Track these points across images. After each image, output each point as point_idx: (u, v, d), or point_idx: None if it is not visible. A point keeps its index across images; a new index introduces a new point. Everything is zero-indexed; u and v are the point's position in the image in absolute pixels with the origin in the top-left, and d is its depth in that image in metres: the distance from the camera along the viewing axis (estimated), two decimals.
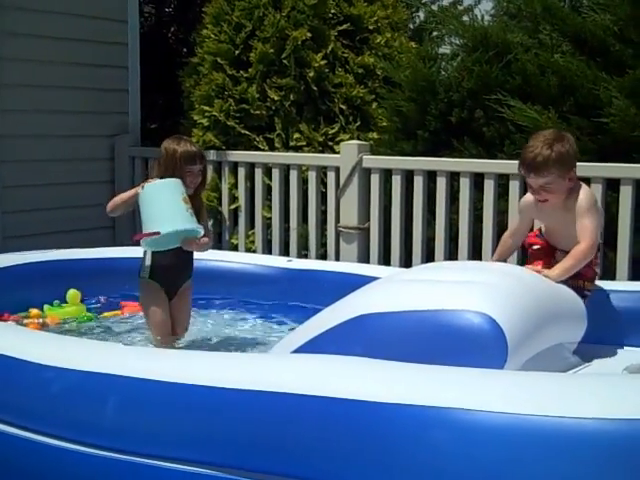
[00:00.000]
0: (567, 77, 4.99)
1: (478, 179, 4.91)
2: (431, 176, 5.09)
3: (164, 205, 3.71)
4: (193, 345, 4.06)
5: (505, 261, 3.79)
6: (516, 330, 2.79)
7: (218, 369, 2.60)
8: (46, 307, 4.48)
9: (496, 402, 2.10)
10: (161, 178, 3.83)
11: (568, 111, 4.97)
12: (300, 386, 2.35)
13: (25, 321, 4.32)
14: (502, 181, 4.85)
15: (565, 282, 3.37)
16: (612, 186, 4.50)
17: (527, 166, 3.42)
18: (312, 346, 3.00)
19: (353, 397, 2.25)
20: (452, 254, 5.00)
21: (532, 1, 5.58)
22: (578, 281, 3.45)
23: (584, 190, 3.47)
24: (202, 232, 3.81)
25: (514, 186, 4.74)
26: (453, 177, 5.04)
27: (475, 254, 4.91)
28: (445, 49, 6.35)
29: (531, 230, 3.80)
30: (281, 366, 2.58)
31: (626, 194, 4.38)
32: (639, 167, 4.42)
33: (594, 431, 1.99)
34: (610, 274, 4.46)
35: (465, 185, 4.92)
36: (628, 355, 3.36)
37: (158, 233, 3.66)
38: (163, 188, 3.75)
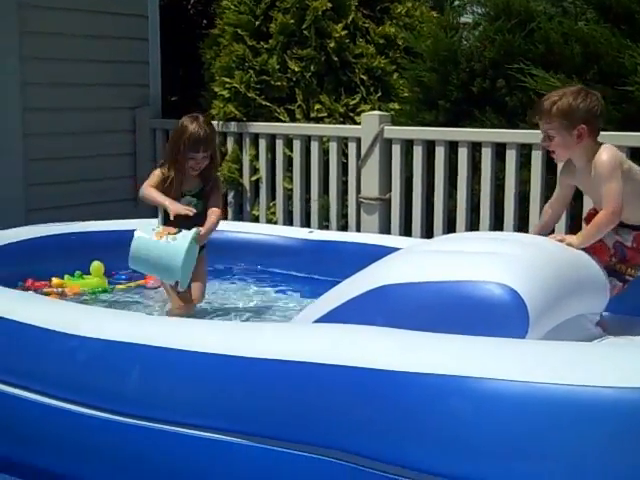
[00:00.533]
0: (591, 45, 4.93)
1: (500, 149, 4.89)
2: (452, 147, 5.07)
3: (153, 260, 3.67)
4: (216, 315, 4.10)
5: (550, 232, 3.63)
6: (537, 301, 2.78)
7: (240, 338, 2.63)
8: (67, 277, 4.53)
9: (515, 371, 2.11)
10: (163, 165, 3.85)
11: (592, 79, 4.91)
12: (322, 355, 2.38)
13: (45, 289, 4.37)
14: (524, 151, 4.82)
15: (611, 266, 3.36)
16: (637, 155, 4.46)
17: (536, 109, 3.40)
18: (334, 316, 3.00)
19: (374, 366, 2.28)
20: (474, 225, 4.99)
21: None
22: (622, 266, 3.39)
23: (606, 151, 3.32)
24: (200, 230, 3.77)
25: (536, 156, 4.71)
26: (475, 147, 5.01)
27: (497, 225, 4.89)
28: (467, 18, 6.29)
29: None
30: (303, 335, 2.60)
31: None
32: None
33: (612, 400, 2.00)
34: None
35: (487, 155, 4.90)
36: None
37: (177, 282, 3.77)
38: (138, 247, 3.67)
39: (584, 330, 3.22)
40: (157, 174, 3.91)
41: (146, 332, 2.74)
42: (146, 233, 3.69)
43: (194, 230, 3.72)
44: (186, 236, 3.66)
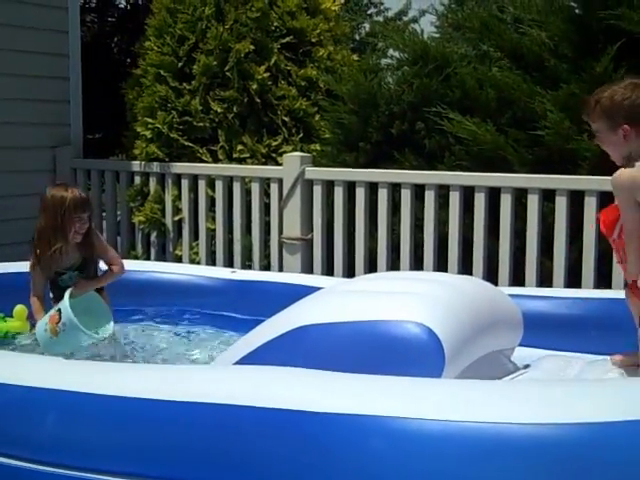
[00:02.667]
0: (505, 90, 5.10)
1: (419, 190, 4.99)
2: (373, 187, 5.16)
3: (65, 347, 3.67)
4: (135, 357, 4.05)
5: None
6: (453, 339, 2.85)
7: (159, 381, 2.61)
8: None
9: (431, 410, 2.15)
10: (46, 227, 3.85)
11: (506, 124, 5.09)
12: (241, 397, 2.38)
13: None
14: (443, 192, 4.94)
15: None
16: (548, 197, 4.62)
17: (584, 105, 3.08)
18: (254, 357, 3.01)
19: (293, 407, 2.29)
20: (394, 264, 5.07)
21: (471, 16, 5.71)
22: None
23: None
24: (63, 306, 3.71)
25: (454, 197, 4.83)
26: (394, 188, 5.12)
27: (417, 264, 4.98)
28: (389, 61, 6.45)
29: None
30: (222, 377, 2.60)
31: (561, 204, 4.50)
32: (573, 178, 4.54)
33: (523, 436, 2.06)
34: (548, 282, 4.58)
35: (406, 196, 5.00)
36: (566, 360, 3.42)
37: None
38: (45, 345, 3.69)
39: (500, 366, 3.31)
40: (37, 273, 3.94)
41: (64, 377, 2.71)
42: (41, 329, 3.69)
43: (65, 298, 3.69)
44: (68, 313, 3.63)
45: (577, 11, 5.13)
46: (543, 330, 3.63)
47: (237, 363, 3.04)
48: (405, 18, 23.12)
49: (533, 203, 4.59)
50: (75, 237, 3.85)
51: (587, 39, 4.97)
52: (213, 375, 2.69)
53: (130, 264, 5.27)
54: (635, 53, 4.73)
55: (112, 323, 3.88)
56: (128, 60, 8.94)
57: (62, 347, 3.64)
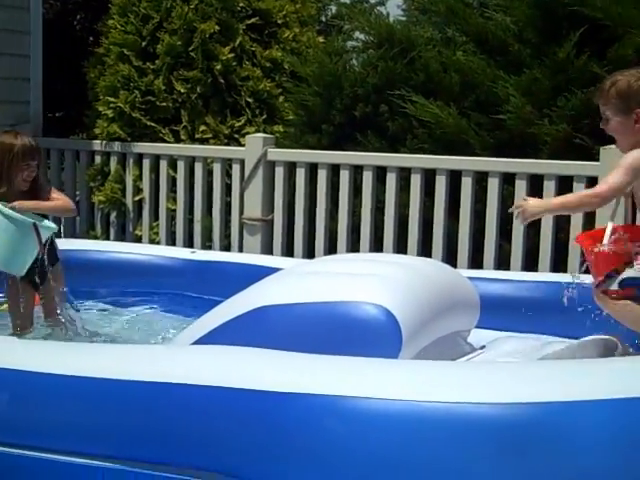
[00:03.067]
0: (468, 75, 5.12)
1: (381, 172, 4.99)
2: (335, 169, 5.15)
3: None
4: (94, 337, 4.03)
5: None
6: (411, 320, 2.86)
7: (116, 361, 2.59)
8: None
9: (386, 390, 2.16)
10: None
11: (469, 107, 5.10)
12: (198, 377, 2.37)
13: None
14: (404, 174, 4.94)
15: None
16: (508, 180, 4.65)
17: (597, 89, 3.09)
18: (212, 338, 3.01)
19: (251, 387, 2.28)
20: (354, 246, 5.07)
21: (437, 0, 5.71)
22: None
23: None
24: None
25: (415, 180, 4.84)
26: (356, 170, 5.11)
27: (377, 246, 4.99)
28: (355, 43, 6.43)
29: None
30: (179, 357, 2.59)
31: (521, 188, 4.52)
32: (533, 162, 4.57)
33: (481, 416, 2.07)
34: (506, 265, 4.61)
35: (368, 178, 5.00)
36: (522, 342, 3.45)
37: None
38: None
39: (456, 347, 3.34)
40: None
41: (17, 356, 2.67)
42: None
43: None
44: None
45: None
46: (500, 312, 3.66)
47: (195, 343, 3.03)
48: (372, 0, 23.08)
49: (493, 186, 4.62)
50: (21, 184, 3.78)
51: (551, 25, 4.99)
52: (170, 355, 2.67)
53: (89, 244, 5.25)
54: (597, 39, 4.76)
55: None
56: (91, 38, 8.81)
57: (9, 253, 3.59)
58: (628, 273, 2.91)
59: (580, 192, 3.03)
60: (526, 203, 3.05)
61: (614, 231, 2.99)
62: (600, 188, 2.90)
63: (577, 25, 4.77)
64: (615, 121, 2.95)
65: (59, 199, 3.91)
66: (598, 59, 4.73)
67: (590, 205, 3.01)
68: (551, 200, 3.10)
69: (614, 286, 2.94)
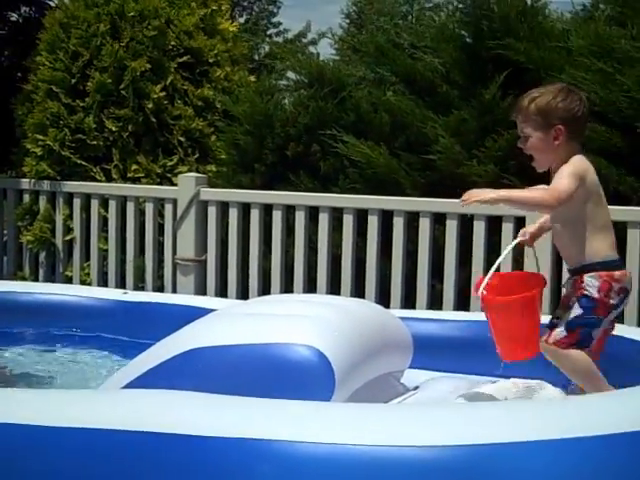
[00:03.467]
0: (398, 115, 5.20)
1: (313, 212, 5.03)
2: (267, 209, 5.16)
3: None
4: (22, 381, 3.94)
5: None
6: (343, 362, 2.87)
7: (42, 406, 2.53)
8: None
9: (319, 433, 2.16)
10: None
11: (399, 147, 5.19)
12: (128, 422, 2.33)
13: None
14: (337, 214, 4.98)
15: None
16: (439, 220, 4.72)
17: (516, 108, 3.04)
18: (143, 381, 2.97)
19: (181, 432, 2.26)
20: (288, 286, 5.08)
21: (368, 40, 5.82)
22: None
23: (576, 157, 2.94)
24: None
25: (348, 220, 4.88)
26: (289, 210, 5.13)
27: (310, 286, 5.00)
28: (287, 82, 6.50)
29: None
30: (108, 402, 2.54)
31: (452, 227, 4.60)
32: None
33: (411, 459, 2.09)
34: (438, 304, 4.66)
35: (300, 218, 5.03)
36: (455, 382, 3.49)
37: None
38: None
39: (390, 388, 3.35)
40: None
41: None
42: None
43: None
44: None
45: (468, 40, 5.29)
46: (433, 352, 3.69)
47: (126, 387, 2.99)
48: (304, 40, 23.40)
49: (425, 226, 4.68)
50: None
51: (477, 67, 5.13)
52: (99, 399, 2.62)
53: (16, 286, 5.15)
54: (520, 82, 4.89)
55: None
56: (19, 74, 8.70)
57: None
58: (572, 313, 2.92)
59: (534, 192, 2.92)
60: (484, 196, 2.94)
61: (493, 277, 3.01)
62: (556, 191, 2.84)
63: (502, 68, 4.91)
64: (535, 138, 2.94)
65: None
66: None
67: (546, 204, 2.89)
68: (515, 195, 2.96)
69: (559, 332, 2.92)
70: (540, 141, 2.94)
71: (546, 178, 3.00)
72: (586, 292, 2.90)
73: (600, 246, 2.92)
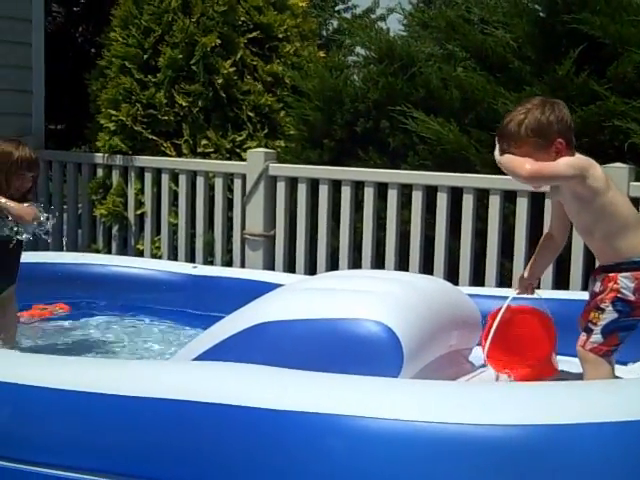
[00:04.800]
0: (468, 91, 5.13)
1: (382, 189, 5.01)
2: (336, 185, 5.16)
3: None
4: (98, 350, 4.04)
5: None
6: (412, 338, 2.87)
7: (119, 376, 2.60)
8: None
9: (386, 410, 2.17)
10: None
11: (469, 124, 5.12)
12: (200, 393, 2.38)
13: None
14: (406, 191, 4.95)
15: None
16: (509, 198, 4.66)
17: (501, 135, 2.92)
18: (213, 354, 3.01)
19: (251, 404, 2.29)
20: (356, 262, 5.08)
21: (438, 16, 5.75)
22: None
23: (577, 155, 2.91)
24: None
25: (417, 196, 4.85)
26: (358, 186, 5.13)
27: (378, 262, 5.00)
28: (356, 58, 6.46)
29: None
30: (180, 373, 2.59)
31: (522, 206, 4.54)
32: None
33: (478, 437, 2.08)
34: (508, 282, 4.61)
35: (369, 194, 5.01)
36: None
37: None
38: None
39: (458, 365, 3.34)
40: None
41: (19, 370, 2.68)
42: None
43: None
44: None
45: (541, 14, 5.17)
46: None
47: (196, 359, 3.04)
48: (373, 15, 23.16)
49: (494, 204, 4.63)
50: (14, 193, 3.79)
51: (550, 42, 5.02)
52: (172, 371, 2.67)
53: (91, 258, 5.27)
54: (596, 57, 4.79)
55: None
56: (93, 50, 8.84)
57: None
58: (607, 317, 2.84)
59: (522, 161, 2.80)
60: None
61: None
62: (540, 165, 2.78)
63: (576, 43, 4.79)
64: (536, 159, 2.81)
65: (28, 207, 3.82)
66: (598, 77, 4.75)
67: (519, 173, 2.84)
68: (509, 157, 2.86)
69: (597, 338, 2.84)
70: (543, 160, 2.81)
71: None
72: (620, 295, 2.81)
73: (635, 242, 2.82)
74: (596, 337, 2.83)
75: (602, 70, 4.79)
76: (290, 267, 5.32)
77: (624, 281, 2.80)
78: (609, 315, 2.82)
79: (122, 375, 2.59)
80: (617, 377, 2.93)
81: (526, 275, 3.18)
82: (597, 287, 2.90)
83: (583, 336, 2.87)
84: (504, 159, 2.90)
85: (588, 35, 4.80)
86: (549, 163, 2.81)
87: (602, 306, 2.84)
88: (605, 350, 2.83)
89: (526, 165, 2.80)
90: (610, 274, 2.84)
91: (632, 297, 2.80)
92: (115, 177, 6.22)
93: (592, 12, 4.82)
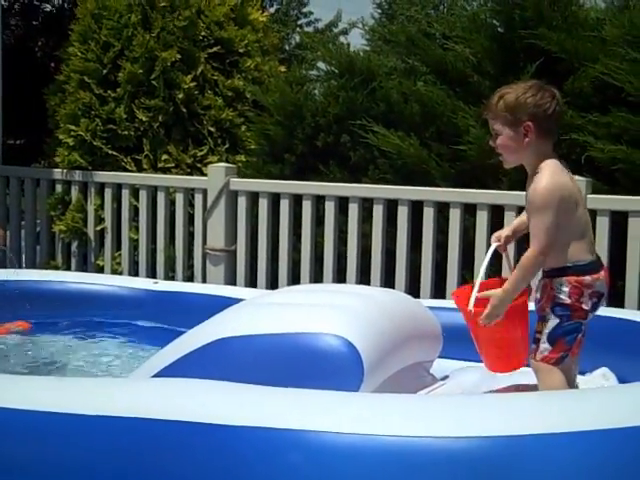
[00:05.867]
0: (429, 105, 5.17)
1: (343, 203, 5.02)
2: (297, 199, 5.16)
3: None
4: (54, 370, 3.98)
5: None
6: (373, 352, 2.87)
7: (74, 395, 2.56)
8: None
9: (347, 424, 2.16)
10: None
11: (429, 138, 5.16)
12: (157, 410, 2.35)
13: None
14: (367, 205, 4.97)
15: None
16: (470, 211, 4.69)
17: (485, 105, 2.98)
18: (172, 370, 2.99)
19: (210, 421, 2.27)
20: (317, 276, 5.08)
21: (399, 31, 5.79)
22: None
23: (546, 177, 2.79)
24: None
25: (378, 210, 4.86)
26: (319, 200, 5.13)
27: (340, 276, 5.00)
28: (317, 73, 6.48)
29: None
30: (139, 391, 2.56)
31: (482, 219, 4.57)
32: (494, 193, 4.62)
33: (438, 450, 2.08)
34: None
35: (330, 208, 5.02)
36: (484, 372, 3.46)
37: None
38: None
39: (419, 378, 3.34)
40: None
41: None
42: None
43: None
44: None
45: (499, 30, 5.24)
46: (462, 342, 3.67)
47: (156, 376, 3.01)
48: (336, 30, 23.30)
49: (455, 216, 4.65)
50: None
51: (509, 57, 5.08)
52: (130, 388, 2.64)
53: (49, 275, 5.20)
54: (553, 72, 4.84)
55: None
56: (52, 65, 8.77)
57: None
58: (550, 325, 2.84)
59: (523, 259, 2.82)
60: (495, 294, 2.88)
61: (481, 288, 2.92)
62: (537, 244, 2.77)
63: (534, 58, 4.86)
64: (505, 135, 2.83)
65: None
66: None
67: (540, 265, 2.83)
68: (511, 279, 2.85)
69: (544, 347, 2.84)
70: (509, 139, 2.83)
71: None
72: (557, 300, 2.83)
73: (573, 251, 2.82)
74: (544, 346, 2.84)
75: (559, 85, 4.81)
76: (252, 282, 5.30)
77: (558, 286, 2.83)
78: (551, 322, 2.84)
79: (79, 393, 2.55)
80: (576, 385, 2.95)
81: (508, 232, 3.09)
82: (538, 293, 2.93)
83: (533, 347, 2.88)
84: (512, 284, 2.86)
85: (545, 50, 4.87)
86: (541, 229, 2.77)
87: (544, 314, 2.86)
88: (556, 358, 2.83)
89: (527, 260, 2.80)
90: (546, 280, 2.88)
91: (568, 300, 2.82)
92: (74, 193, 6.16)
93: (549, 27, 4.89)
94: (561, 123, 2.91)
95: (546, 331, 2.84)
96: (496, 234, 3.11)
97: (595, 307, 2.86)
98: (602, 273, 2.87)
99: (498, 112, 2.84)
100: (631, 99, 4.57)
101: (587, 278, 2.82)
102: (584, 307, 2.82)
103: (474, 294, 2.92)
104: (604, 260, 4.25)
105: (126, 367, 4.01)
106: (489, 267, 3.06)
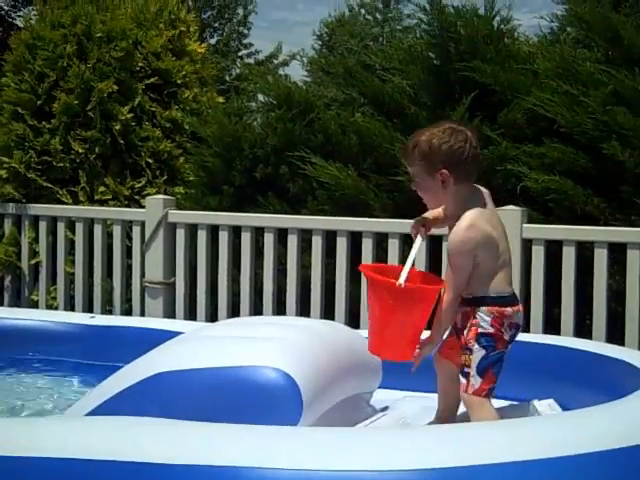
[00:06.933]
0: (366, 136, 5.21)
1: (282, 234, 5.00)
2: (236, 231, 5.13)
3: None
4: None
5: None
6: (311, 384, 2.85)
7: (3, 435, 2.48)
8: None
9: (284, 459, 2.13)
10: None
11: (368, 168, 5.19)
12: (89, 451, 2.28)
13: None
14: (306, 236, 4.96)
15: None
16: (408, 241, 4.70)
17: (402, 150, 3.00)
18: (108, 407, 2.93)
19: (143, 459, 2.21)
20: (257, 308, 5.04)
21: (337, 62, 5.84)
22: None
23: (464, 229, 2.81)
24: None
25: (317, 241, 4.86)
26: (258, 232, 5.11)
27: (280, 308, 4.97)
28: (256, 104, 6.49)
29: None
30: (72, 430, 2.49)
31: (420, 248, 4.58)
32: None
33: None
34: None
35: (269, 240, 5.00)
36: (424, 402, 3.46)
37: None
38: None
39: (358, 409, 3.33)
40: None
41: None
42: None
43: None
44: None
45: (435, 62, 5.31)
46: (402, 372, 3.67)
47: (90, 413, 2.95)
48: (276, 61, 23.47)
49: (394, 247, 4.67)
50: None
51: (444, 89, 5.16)
52: (62, 427, 2.57)
53: None
54: (487, 104, 4.94)
55: None
56: None
57: None
58: (477, 356, 2.84)
59: (439, 312, 2.85)
60: (423, 348, 2.91)
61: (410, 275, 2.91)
62: (452, 294, 2.82)
63: (469, 90, 4.94)
64: (423, 182, 2.84)
65: None
66: (490, 122, 4.90)
67: (452, 306, 2.85)
68: (429, 336, 2.91)
69: (475, 380, 2.83)
70: (428, 185, 2.84)
71: None
72: (480, 329, 2.84)
73: (496, 282, 2.84)
74: (474, 379, 2.83)
75: (493, 116, 4.94)
76: (191, 314, 5.24)
77: (481, 315, 2.84)
78: (478, 353, 2.83)
79: (8, 433, 2.47)
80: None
81: (430, 216, 3.09)
82: (459, 320, 2.91)
83: (463, 381, 2.86)
84: (434, 335, 2.92)
85: (480, 82, 4.95)
86: (453, 281, 2.82)
87: (469, 346, 2.85)
88: (487, 390, 2.83)
89: (446, 305, 2.84)
90: (467, 308, 2.87)
91: (491, 330, 2.83)
92: (8, 226, 6.05)
93: (483, 60, 4.98)
94: (479, 164, 2.88)
95: (474, 365, 2.84)
96: (418, 218, 3.11)
97: (512, 338, 2.88)
98: (520, 306, 2.92)
99: (414, 160, 2.84)
100: (563, 130, 4.67)
101: (508, 309, 2.85)
102: (505, 337, 2.84)
103: (406, 268, 2.92)
104: (540, 288, 4.34)
105: (61, 405, 3.91)
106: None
